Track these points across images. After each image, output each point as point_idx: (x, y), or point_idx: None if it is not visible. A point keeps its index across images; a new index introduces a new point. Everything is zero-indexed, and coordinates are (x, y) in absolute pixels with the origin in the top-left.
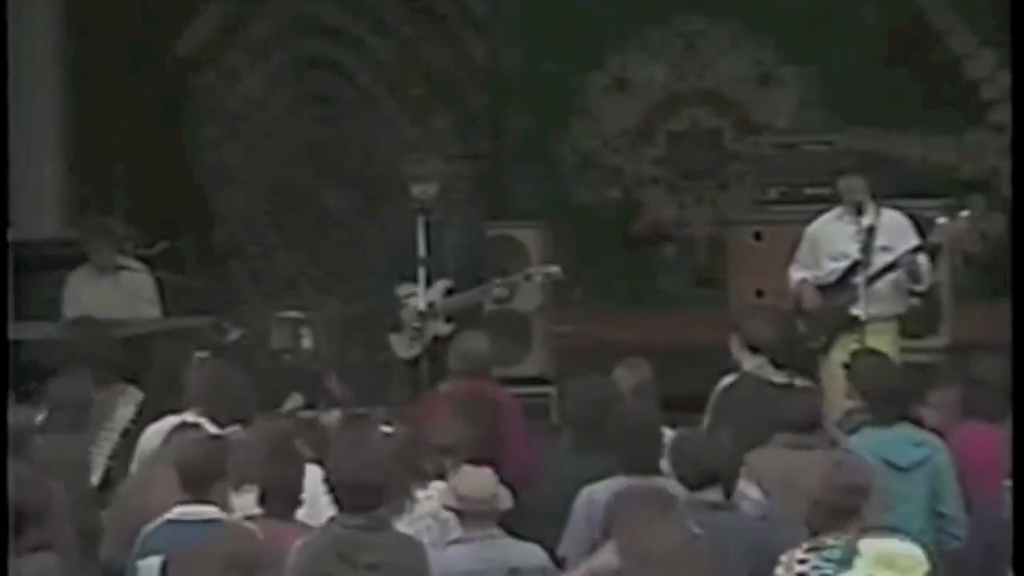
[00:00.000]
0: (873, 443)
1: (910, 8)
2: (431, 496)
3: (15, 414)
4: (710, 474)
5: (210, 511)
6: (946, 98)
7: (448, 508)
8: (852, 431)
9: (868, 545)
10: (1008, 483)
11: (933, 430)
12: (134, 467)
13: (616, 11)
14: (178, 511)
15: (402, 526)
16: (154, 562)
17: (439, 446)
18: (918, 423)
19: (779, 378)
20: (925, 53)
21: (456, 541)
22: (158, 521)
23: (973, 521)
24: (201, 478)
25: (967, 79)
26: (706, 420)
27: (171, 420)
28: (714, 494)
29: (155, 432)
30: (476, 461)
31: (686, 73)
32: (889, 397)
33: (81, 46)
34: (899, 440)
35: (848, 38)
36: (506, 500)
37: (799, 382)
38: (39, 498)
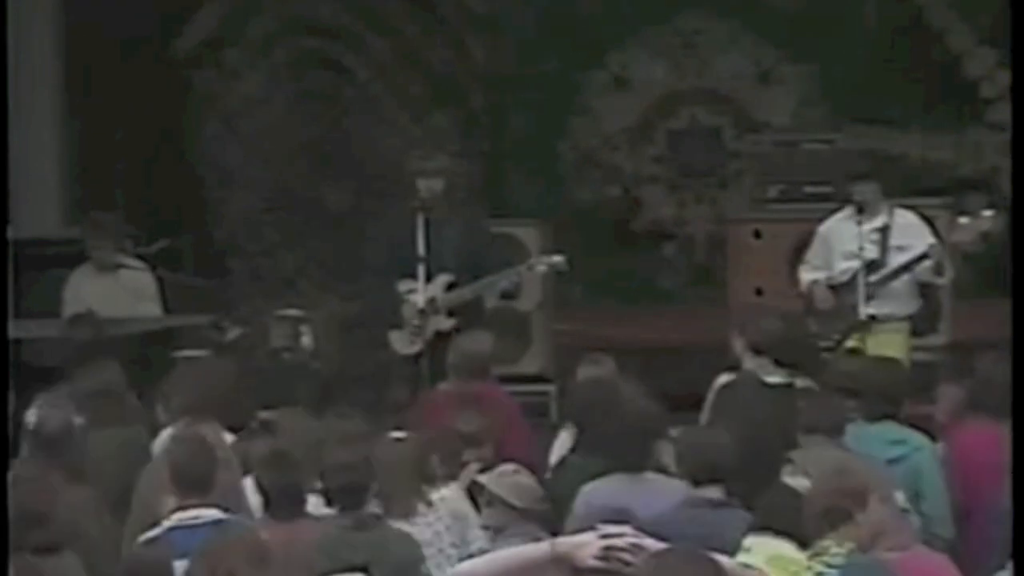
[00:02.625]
0: (853, 439)
1: (909, 6)
2: (444, 497)
3: (50, 416)
4: (712, 472)
5: (213, 513)
6: (945, 96)
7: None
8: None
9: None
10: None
11: (922, 429)
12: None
13: (616, 10)
14: (177, 517)
15: (418, 527)
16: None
17: (465, 435)
18: (913, 421)
19: (777, 377)
20: (924, 51)
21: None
22: (159, 529)
23: (974, 519)
24: (195, 480)
25: (966, 77)
26: (704, 418)
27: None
28: (715, 492)
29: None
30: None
31: (686, 71)
32: (875, 394)
33: (81, 45)
34: (879, 437)
35: (848, 37)
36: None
37: (800, 382)
38: (43, 500)
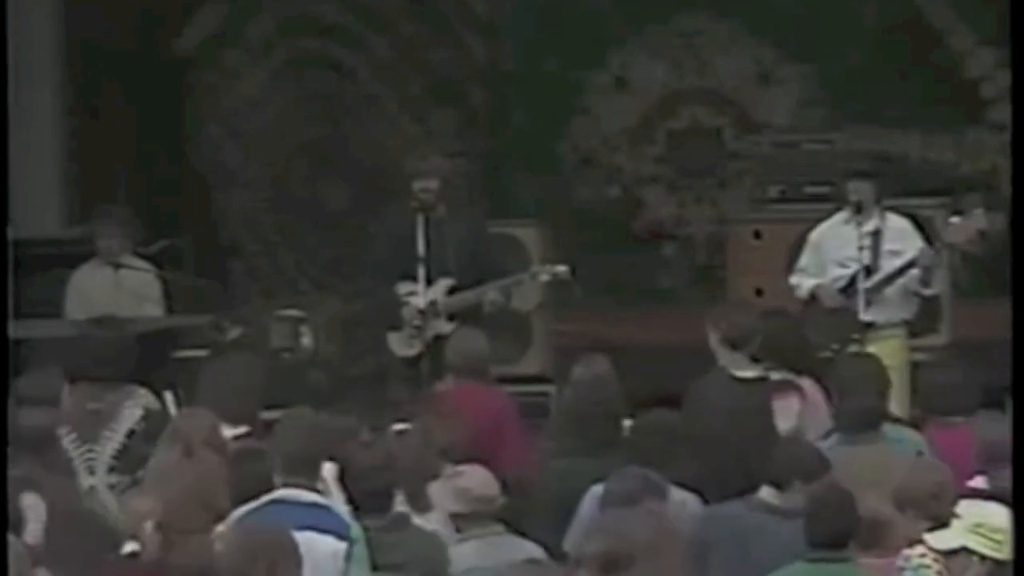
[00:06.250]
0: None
1: (909, 7)
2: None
3: (36, 416)
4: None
5: (314, 496)
6: (945, 96)
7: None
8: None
9: (966, 508)
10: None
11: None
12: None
13: (616, 10)
14: (282, 493)
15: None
16: None
17: (439, 446)
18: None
19: (750, 372)
20: (924, 52)
21: (465, 539)
22: (262, 500)
23: None
24: (305, 463)
25: (966, 77)
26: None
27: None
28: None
29: None
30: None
31: (686, 71)
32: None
33: (81, 45)
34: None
35: (848, 37)
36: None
37: (776, 376)
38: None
